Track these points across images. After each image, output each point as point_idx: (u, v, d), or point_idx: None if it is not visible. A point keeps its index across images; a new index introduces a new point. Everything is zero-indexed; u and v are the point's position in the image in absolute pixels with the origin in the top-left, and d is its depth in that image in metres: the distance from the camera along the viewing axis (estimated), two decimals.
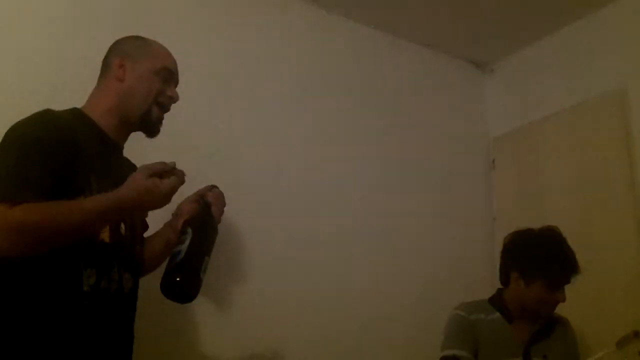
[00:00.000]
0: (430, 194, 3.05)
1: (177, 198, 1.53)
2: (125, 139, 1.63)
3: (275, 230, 2.51)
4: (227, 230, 2.34)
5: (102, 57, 1.66)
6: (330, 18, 2.95)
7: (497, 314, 2.01)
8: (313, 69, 2.85)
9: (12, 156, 1.34)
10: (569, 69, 3.02)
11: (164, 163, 1.40)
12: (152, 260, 1.67)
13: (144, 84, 1.56)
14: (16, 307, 1.32)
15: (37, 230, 1.25)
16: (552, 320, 2.04)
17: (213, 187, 1.69)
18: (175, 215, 1.70)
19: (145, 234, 1.71)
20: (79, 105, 1.58)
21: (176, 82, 1.66)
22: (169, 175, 1.38)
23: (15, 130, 1.39)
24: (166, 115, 2.25)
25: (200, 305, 2.15)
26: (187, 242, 1.46)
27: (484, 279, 2.84)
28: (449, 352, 1.93)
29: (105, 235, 1.41)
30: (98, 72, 1.64)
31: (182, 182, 1.41)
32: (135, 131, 1.63)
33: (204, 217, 1.58)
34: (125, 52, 1.60)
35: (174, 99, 1.63)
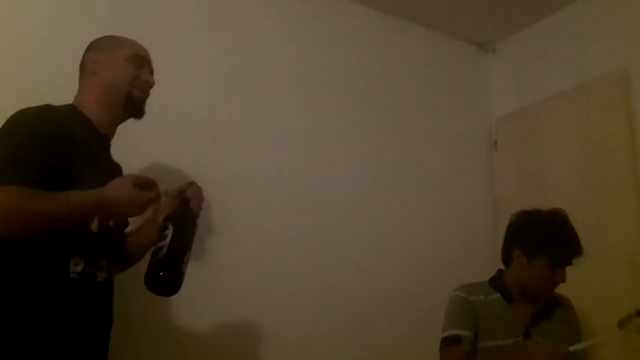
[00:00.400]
0: (432, 176, 3.06)
1: None
2: (113, 133, 1.70)
3: (277, 221, 2.53)
4: (225, 223, 2.38)
5: None
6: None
7: (497, 295, 2.02)
8: (313, 52, 2.84)
9: (8, 143, 1.41)
10: (571, 50, 3.00)
11: (148, 177, 1.49)
12: (134, 254, 1.74)
13: (118, 72, 1.65)
14: (3, 290, 1.37)
15: (20, 216, 1.31)
16: (553, 301, 2.05)
17: (192, 183, 1.75)
18: (156, 211, 1.75)
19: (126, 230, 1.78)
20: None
21: (151, 69, 1.73)
22: (150, 189, 1.47)
23: (15, 120, 1.45)
24: (167, 109, 2.31)
25: (196, 300, 2.18)
26: (168, 238, 1.52)
27: (486, 261, 2.85)
28: (451, 332, 1.94)
29: (93, 225, 1.47)
30: None
31: (159, 199, 1.52)
32: (123, 120, 1.70)
33: (184, 212, 1.63)
34: (96, 47, 1.70)
35: (149, 82, 1.71)
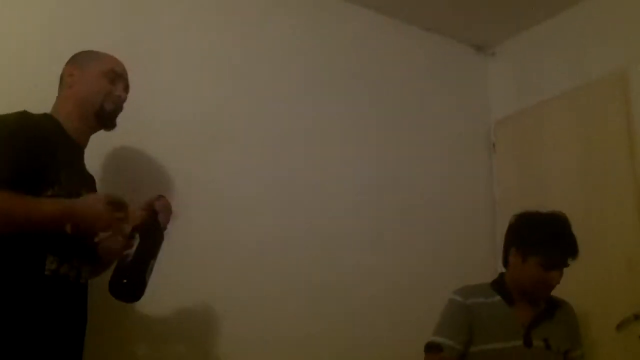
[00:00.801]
0: (432, 177, 3.05)
1: None
2: (86, 143, 1.78)
3: (277, 220, 2.52)
4: (224, 222, 2.38)
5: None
6: (330, 1, 2.94)
7: (498, 297, 2.01)
8: (314, 53, 2.84)
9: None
10: (570, 52, 3.00)
11: (121, 198, 1.57)
12: (104, 261, 1.79)
13: (92, 85, 1.73)
14: None
15: (3, 217, 1.40)
16: (553, 304, 2.04)
17: (160, 196, 1.81)
18: (127, 205, 1.80)
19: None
20: None
21: (125, 85, 1.81)
22: (120, 209, 1.55)
23: (3, 125, 1.54)
24: (168, 108, 2.31)
25: (192, 300, 2.18)
26: (134, 247, 1.58)
27: (485, 263, 2.86)
28: (435, 339, 1.95)
29: (67, 227, 1.53)
30: None
31: (127, 221, 1.59)
32: (94, 131, 1.78)
33: (151, 223, 1.69)
34: (74, 62, 1.78)
35: (121, 97, 1.79)
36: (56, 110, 1.72)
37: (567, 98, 2.96)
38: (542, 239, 1.96)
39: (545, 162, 3.00)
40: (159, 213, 1.73)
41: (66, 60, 1.80)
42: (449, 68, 3.32)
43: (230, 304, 2.30)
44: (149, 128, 2.26)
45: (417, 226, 2.92)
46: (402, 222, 2.89)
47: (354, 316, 2.59)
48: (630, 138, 2.66)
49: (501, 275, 2.13)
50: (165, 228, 1.74)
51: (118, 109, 1.78)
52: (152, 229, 1.67)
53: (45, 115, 1.68)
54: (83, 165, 1.78)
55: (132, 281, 1.56)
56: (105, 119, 1.75)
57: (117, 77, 1.78)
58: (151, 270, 1.61)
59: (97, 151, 1.93)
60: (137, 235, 1.61)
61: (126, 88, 1.81)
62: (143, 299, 1.61)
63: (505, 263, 2.09)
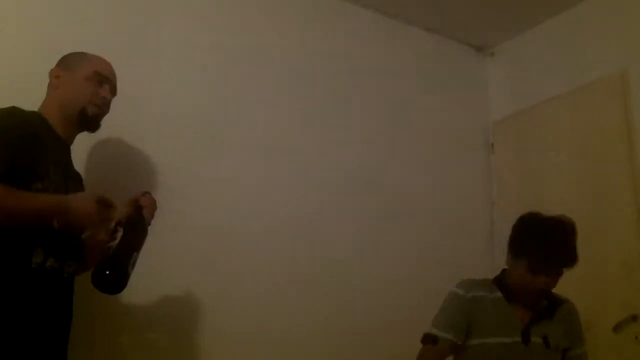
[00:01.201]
0: (430, 177, 3.05)
1: None
2: (72, 140, 1.81)
3: (275, 219, 2.52)
4: (222, 221, 2.38)
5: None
6: (329, 1, 2.94)
7: (499, 293, 2.01)
8: (313, 54, 2.84)
9: None
10: (568, 53, 3.00)
11: (109, 199, 1.59)
12: (89, 256, 1.80)
13: (77, 89, 1.76)
14: None
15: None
16: (555, 302, 2.04)
17: (146, 193, 1.84)
18: (114, 207, 1.83)
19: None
20: None
21: (112, 87, 1.84)
22: (108, 209, 1.58)
23: None
24: (167, 108, 2.31)
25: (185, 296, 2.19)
26: (117, 240, 1.62)
27: (482, 263, 2.86)
28: (432, 331, 1.96)
29: (55, 222, 1.57)
30: None
31: (111, 221, 1.63)
32: (78, 132, 1.81)
33: (136, 218, 1.73)
34: (62, 63, 1.81)
35: (106, 99, 1.81)
36: (43, 110, 1.75)
37: (565, 99, 2.96)
38: (531, 243, 1.94)
39: (544, 163, 3.00)
40: (143, 208, 1.77)
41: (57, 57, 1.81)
42: (448, 68, 3.32)
43: (218, 296, 2.30)
44: (146, 126, 2.27)
45: (415, 225, 2.92)
46: (400, 221, 2.89)
47: (350, 317, 2.60)
48: (629, 139, 2.66)
49: (503, 271, 2.12)
50: (149, 223, 1.78)
51: (102, 112, 1.81)
52: (136, 223, 1.71)
53: (33, 112, 1.71)
54: (70, 162, 1.81)
55: (114, 273, 1.58)
56: (87, 122, 1.78)
57: (103, 79, 1.80)
58: (134, 263, 1.64)
59: (94, 149, 1.94)
60: (121, 229, 1.65)
61: (112, 90, 1.84)
62: (128, 291, 1.63)
63: (506, 262, 2.09)
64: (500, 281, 2.04)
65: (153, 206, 1.83)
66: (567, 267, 1.91)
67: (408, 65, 3.16)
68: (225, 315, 2.30)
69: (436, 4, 3.05)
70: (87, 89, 1.76)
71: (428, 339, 1.93)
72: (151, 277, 1.99)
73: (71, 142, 1.81)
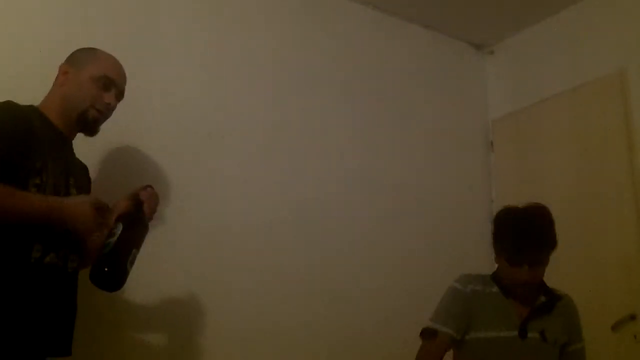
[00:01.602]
0: (429, 176, 3.05)
1: None
2: (73, 135, 1.77)
3: (273, 216, 2.52)
4: (220, 217, 2.38)
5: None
6: None
7: (496, 288, 2.02)
8: (311, 50, 2.83)
9: None
10: (568, 52, 3.00)
11: (106, 204, 1.58)
12: (88, 252, 1.77)
13: (81, 90, 1.71)
14: None
15: None
16: (553, 297, 2.04)
17: (147, 186, 1.79)
18: (111, 211, 1.80)
19: None
20: None
21: (118, 92, 1.78)
22: (104, 214, 1.56)
23: None
24: (164, 105, 2.30)
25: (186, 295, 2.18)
26: (116, 236, 1.57)
27: (481, 261, 2.84)
28: (431, 325, 1.96)
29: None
30: None
31: (108, 226, 1.59)
32: (76, 132, 1.76)
33: (135, 213, 1.69)
34: (71, 60, 1.77)
35: (110, 105, 1.75)
36: (44, 104, 1.71)
37: (565, 97, 2.96)
38: (503, 237, 1.97)
39: (543, 161, 3.00)
40: (144, 203, 1.72)
41: (62, 58, 1.77)
42: (447, 66, 3.32)
43: (215, 291, 2.30)
44: (143, 126, 2.26)
45: (414, 223, 2.92)
46: (399, 219, 2.88)
47: (347, 317, 2.59)
48: (628, 137, 2.66)
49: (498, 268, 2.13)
50: (150, 218, 1.74)
51: (103, 117, 1.75)
52: (135, 218, 1.66)
53: (30, 106, 1.67)
54: (72, 155, 1.77)
55: (113, 270, 1.55)
56: (86, 126, 1.73)
57: (109, 83, 1.74)
58: (133, 259, 1.60)
59: (93, 147, 1.93)
60: (120, 225, 1.60)
61: (119, 95, 1.78)
62: (127, 287, 1.61)
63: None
64: (497, 277, 2.05)
65: (154, 200, 1.78)
66: (545, 253, 1.92)
67: (407, 63, 3.15)
68: (225, 313, 2.30)
69: (435, 2, 3.05)
70: (91, 91, 1.71)
71: (427, 333, 1.94)
72: (149, 273, 1.97)
73: (72, 137, 1.77)
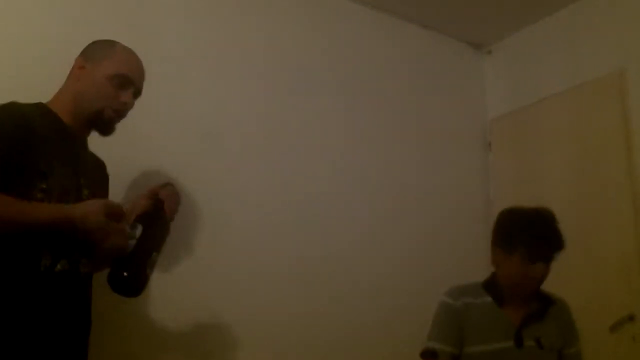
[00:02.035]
0: (426, 175, 3.04)
1: None
2: (87, 132, 1.69)
3: (270, 218, 2.51)
4: (217, 220, 2.37)
5: None
6: None
7: (488, 298, 2.01)
8: (309, 49, 2.82)
9: None
10: (567, 51, 2.99)
11: (120, 207, 1.47)
12: (103, 254, 1.69)
13: (96, 87, 1.62)
14: None
15: None
16: (546, 301, 2.03)
17: (167, 184, 1.71)
18: (129, 210, 1.70)
19: None
20: None
21: (136, 89, 1.69)
22: (119, 219, 1.45)
23: None
24: (161, 106, 2.29)
25: (185, 295, 2.16)
26: (135, 238, 1.49)
27: (479, 262, 2.82)
28: (430, 345, 1.93)
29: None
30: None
31: (124, 231, 1.49)
32: (90, 130, 1.68)
33: (155, 213, 1.59)
34: (88, 53, 1.67)
35: (127, 104, 1.66)
36: (55, 100, 1.63)
37: (563, 97, 2.95)
38: (524, 232, 1.95)
39: (541, 161, 3.00)
40: (164, 202, 1.63)
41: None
42: (445, 65, 3.31)
43: (213, 290, 2.30)
44: (140, 127, 2.22)
45: (412, 223, 2.91)
46: (396, 219, 2.87)
47: (344, 316, 2.59)
48: (626, 138, 2.66)
49: (493, 274, 2.11)
50: (171, 219, 1.64)
51: (119, 116, 1.66)
52: (156, 219, 1.57)
53: (37, 105, 1.58)
54: (84, 154, 1.67)
55: (132, 274, 1.46)
56: (101, 125, 1.64)
57: (127, 82, 1.65)
58: (153, 263, 1.51)
59: (92, 147, 1.92)
60: (139, 226, 1.51)
61: (136, 93, 1.69)
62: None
63: (493, 262, 2.08)
64: (490, 285, 2.03)
65: (176, 199, 1.69)
66: (559, 252, 1.92)
67: (405, 63, 3.14)
68: (225, 313, 2.29)
69: (434, 1, 3.04)
70: (108, 90, 1.62)
71: (428, 354, 1.89)
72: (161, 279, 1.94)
73: (86, 134, 1.67)
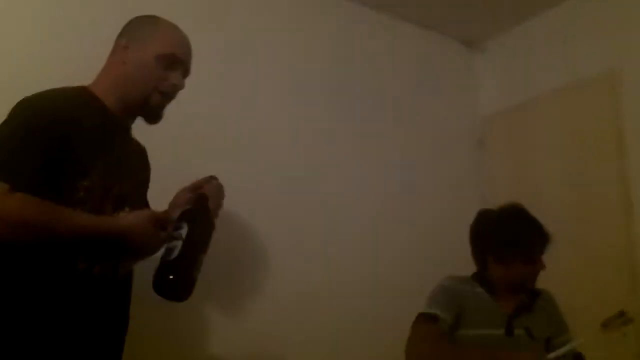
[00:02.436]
0: (419, 174, 3.05)
1: None
2: (132, 118, 1.58)
3: (276, 220, 2.52)
4: (223, 223, 2.35)
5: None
6: None
7: (481, 288, 2.03)
8: (301, 48, 2.81)
9: (13, 141, 1.34)
10: (560, 49, 3.00)
11: (166, 216, 1.41)
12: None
13: (143, 70, 1.50)
14: (12, 289, 1.32)
15: (24, 227, 1.27)
16: (533, 293, 2.06)
17: (212, 177, 1.62)
18: (171, 206, 1.64)
19: None
20: None
21: (185, 69, 1.58)
22: (165, 227, 1.39)
23: (20, 112, 1.37)
24: (168, 108, 2.27)
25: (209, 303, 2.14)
26: (181, 239, 1.41)
27: (470, 261, 2.84)
28: (430, 310, 1.94)
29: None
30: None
31: (170, 239, 1.42)
32: (135, 116, 1.58)
33: (200, 211, 1.52)
34: (131, 33, 1.55)
35: (177, 86, 1.55)
36: (97, 83, 1.51)
37: (556, 95, 2.96)
38: (518, 240, 1.98)
39: (534, 160, 3.01)
40: (208, 198, 1.55)
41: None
42: (438, 63, 3.31)
43: (220, 293, 2.30)
44: (145, 130, 2.24)
45: (404, 223, 2.91)
46: (389, 218, 2.87)
47: (341, 315, 2.58)
48: (619, 136, 2.67)
49: (481, 271, 2.12)
50: (216, 215, 1.56)
51: (168, 100, 1.55)
52: (201, 217, 1.49)
53: (79, 90, 1.46)
54: (128, 143, 1.58)
55: (179, 278, 1.39)
56: (148, 112, 1.53)
57: (176, 62, 1.52)
58: (200, 265, 1.43)
59: None
60: (185, 225, 1.42)
61: (185, 73, 1.57)
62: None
63: (483, 267, 2.08)
64: (480, 278, 2.06)
65: (220, 195, 1.60)
66: (549, 244, 1.98)
67: (397, 61, 3.13)
68: (224, 314, 2.31)
69: None
70: (156, 72, 1.49)
71: (427, 316, 1.90)
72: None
73: (131, 122, 1.57)
